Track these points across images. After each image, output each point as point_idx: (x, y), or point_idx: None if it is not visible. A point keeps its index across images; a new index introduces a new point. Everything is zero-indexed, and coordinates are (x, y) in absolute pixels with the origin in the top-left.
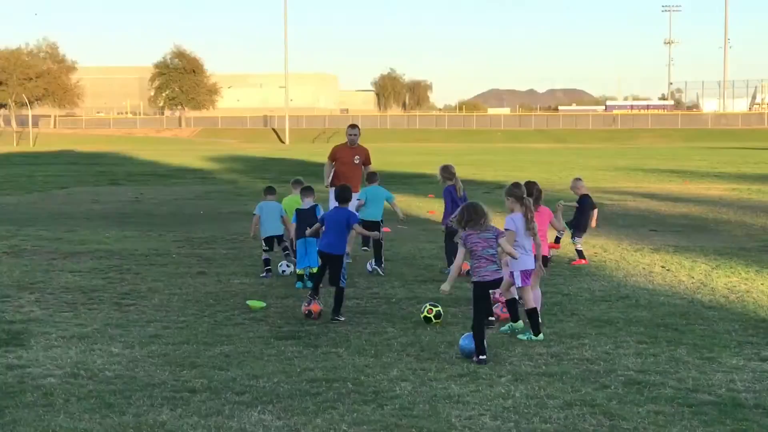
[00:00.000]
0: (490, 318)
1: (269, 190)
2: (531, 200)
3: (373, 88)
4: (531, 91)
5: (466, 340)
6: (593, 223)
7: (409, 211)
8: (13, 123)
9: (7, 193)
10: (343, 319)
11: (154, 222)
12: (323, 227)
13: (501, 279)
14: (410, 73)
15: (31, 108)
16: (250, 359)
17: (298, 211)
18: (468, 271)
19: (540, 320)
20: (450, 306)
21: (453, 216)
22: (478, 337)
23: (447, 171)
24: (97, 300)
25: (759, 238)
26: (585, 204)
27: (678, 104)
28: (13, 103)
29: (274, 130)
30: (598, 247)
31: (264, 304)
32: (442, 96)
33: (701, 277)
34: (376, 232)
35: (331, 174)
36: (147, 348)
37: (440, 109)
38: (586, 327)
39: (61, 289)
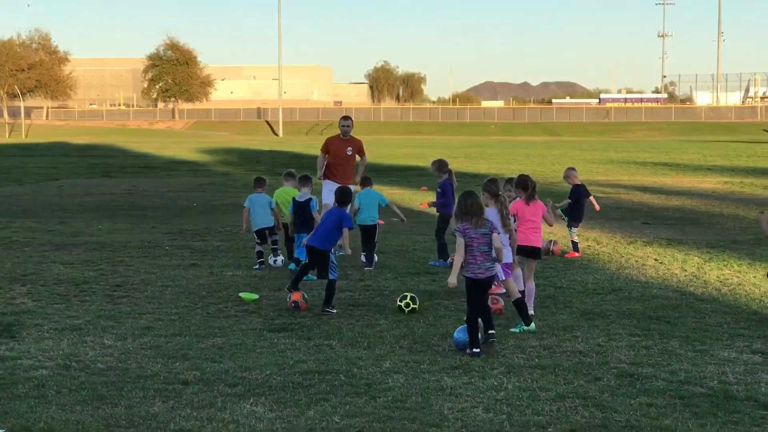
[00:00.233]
0: (491, 332)
1: (259, 183)
2: (506, 197)
3: (367, 81)
4: (525, 84)
5: (460, 333)
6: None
7: (402, 203)
8: (6, 114)
9: None
10: (335, 311)
11: (147, 214)
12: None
13: (493, 276)
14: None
15: (23, 99)
16: (243, 351)
17: (295, 202)
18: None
19: (531, 311)
20: (443, 299)
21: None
22: (472, 331)
23: (442, 166)
24: (90, 292)
25: (751, 231)
26: (579, 194)
27: (671, 97)
28: (5, 95)
29: (267, 122)
30: (591, 240)
31: (257, 297)
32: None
33: (694, 269)
34: (348, 250)
35: (324, 165)
36: (139, 340)
37: (434, 102)
38: (578, 319)
39: (53, 281)
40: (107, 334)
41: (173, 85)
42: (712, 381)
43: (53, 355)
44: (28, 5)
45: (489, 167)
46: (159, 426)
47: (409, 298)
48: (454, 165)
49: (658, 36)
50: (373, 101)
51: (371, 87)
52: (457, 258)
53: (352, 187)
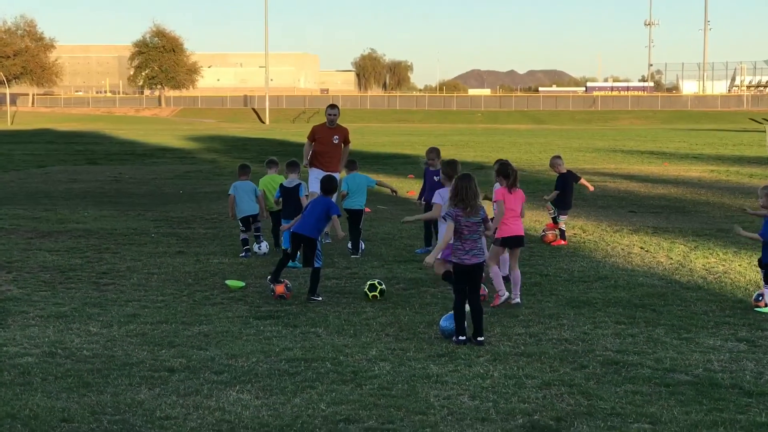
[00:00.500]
0: (479, 339)
1: (243, 170)
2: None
3: (354, 69)
4: (511, 72)
5: (446, 321)
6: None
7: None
8: None
9: None
10: (320, 299)
11: (133, 201)
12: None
13: (482, 264)
14: (390, 53)
15: (8, 86)
16: (229, 339)
17: (282, 188)
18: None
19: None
20: (429, 287)
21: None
22: (459, 319)
23: (437, 154)
24: (75, 279)
25: (737, 219)
26: (565, 183)
27: (658, 86)
28: None
29: (254, 109)
30: (578, 228)
31: (243, 284)
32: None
33: (679, 258)
34: (341, 233)
35: (310, 153)
36: (125, 327)
37: (420, 90)
38: (564, 307)
39: (39, 268)
40: (93, 321)
41: (159, 73)
42: (698, 369)
43: (39, 342)
44: None
45: (476, 155)
46: (145, 413)
47: (378, 290)
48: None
49: (645, 24)
50: (360, 89)
51: (358, 75)
52: (445, 238)
53: (337, 175)
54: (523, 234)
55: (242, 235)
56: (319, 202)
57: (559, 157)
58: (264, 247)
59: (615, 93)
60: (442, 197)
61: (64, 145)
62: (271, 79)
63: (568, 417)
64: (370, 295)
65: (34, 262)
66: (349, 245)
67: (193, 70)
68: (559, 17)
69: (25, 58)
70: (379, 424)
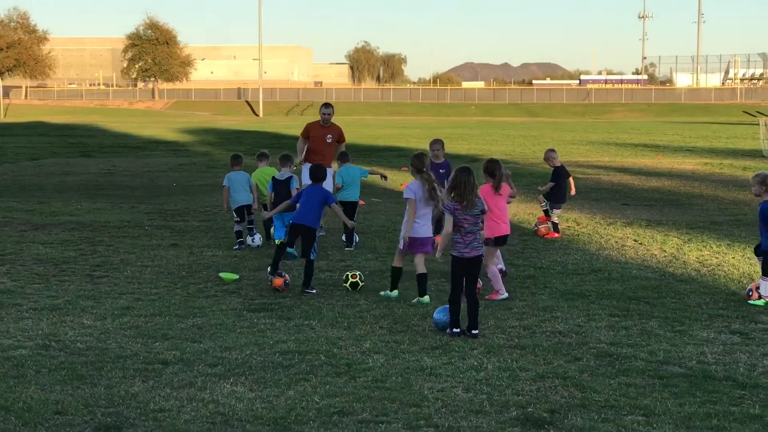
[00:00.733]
0: (474, 332)
1: (235, 160)
2: (431, 174)
3: (348, 61)
4: (505, 65)
5: (440, 314)
6: (572, 190)
7: (382, 184)
8: None
9: None
10: (314, 291)
11: (127, 194)
12: (297, 205)
13: (481, 256)
14: (384, 46)
15: (1, 79)
16: (223, 331)
17: (275, 181)
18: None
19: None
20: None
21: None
22: (453, 311)
23: (442, 146)
24: (69, 272)
25: (730, 212)
26: (560, 176)
27: (651, 79)
28: None
29: (247, 102)
30: (571, 221)
31: (237, 277)
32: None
33: (673, 250)
34: (352, 222)
35: (304, 151)
36: (119, 320)
37: (414, 83)
38: (558, 300)
39: (33, 261)
40: (87, 314)
41: (153, 65)
42: (691, 361)
43: (32, 334)
44: None
45: (470, 148)
46: (138, 405)
47: (349, 283)
48: None
49: (639, 17)
50: (354, 82)
51: (352, 68)
52: (445, 232)
53: (330, 170)
54: (508, 233)
55: (236, 227)
56: (314, 191)
57: (553, 150)
58: (257, 239)
59: (609, 86)
60: (413, 191)
61: (58, 137)
62: (265, 72)
63: (562, 409)
64: (346, 285)
65: (28, 254)
66: (343, 238)
67: (186, 63)
68: (553, 10)
69: (18, 50)
70: (372, 417)
